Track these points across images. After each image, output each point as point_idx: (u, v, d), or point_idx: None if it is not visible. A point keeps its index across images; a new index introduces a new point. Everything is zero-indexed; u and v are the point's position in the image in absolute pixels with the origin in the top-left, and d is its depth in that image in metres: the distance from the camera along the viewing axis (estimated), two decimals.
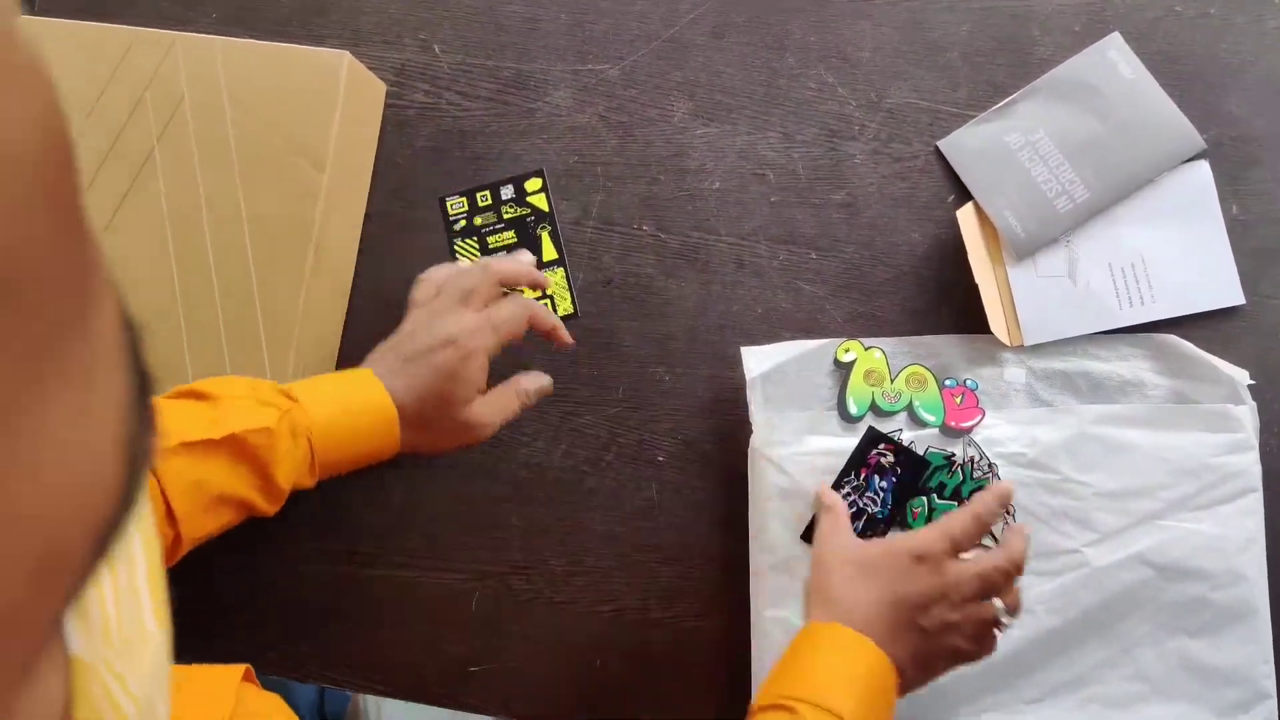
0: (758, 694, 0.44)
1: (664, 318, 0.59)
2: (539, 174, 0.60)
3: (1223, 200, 0.56)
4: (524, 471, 0.58)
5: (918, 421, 0.55)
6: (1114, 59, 0.57)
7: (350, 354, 0.60)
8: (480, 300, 0.50)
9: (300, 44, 0.57)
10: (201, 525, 0.43)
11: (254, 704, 0.44)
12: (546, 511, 0.58)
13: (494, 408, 0.51)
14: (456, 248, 0.60)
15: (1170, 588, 0.52)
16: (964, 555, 0.46)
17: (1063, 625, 0.52)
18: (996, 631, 0.46)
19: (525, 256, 0.55)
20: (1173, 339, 0.55)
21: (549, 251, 0.60)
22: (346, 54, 0.55)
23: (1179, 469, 0.53)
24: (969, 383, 0.55)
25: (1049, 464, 0.53)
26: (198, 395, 0.44)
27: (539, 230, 0.60)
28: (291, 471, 0.45)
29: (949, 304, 0.57)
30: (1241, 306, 0.56)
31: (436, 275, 0.53)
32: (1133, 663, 0.52)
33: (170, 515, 0.42)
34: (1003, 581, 0.45)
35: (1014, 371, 0.55)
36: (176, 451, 0.42)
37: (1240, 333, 0.56)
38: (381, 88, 0.61)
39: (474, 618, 0.57)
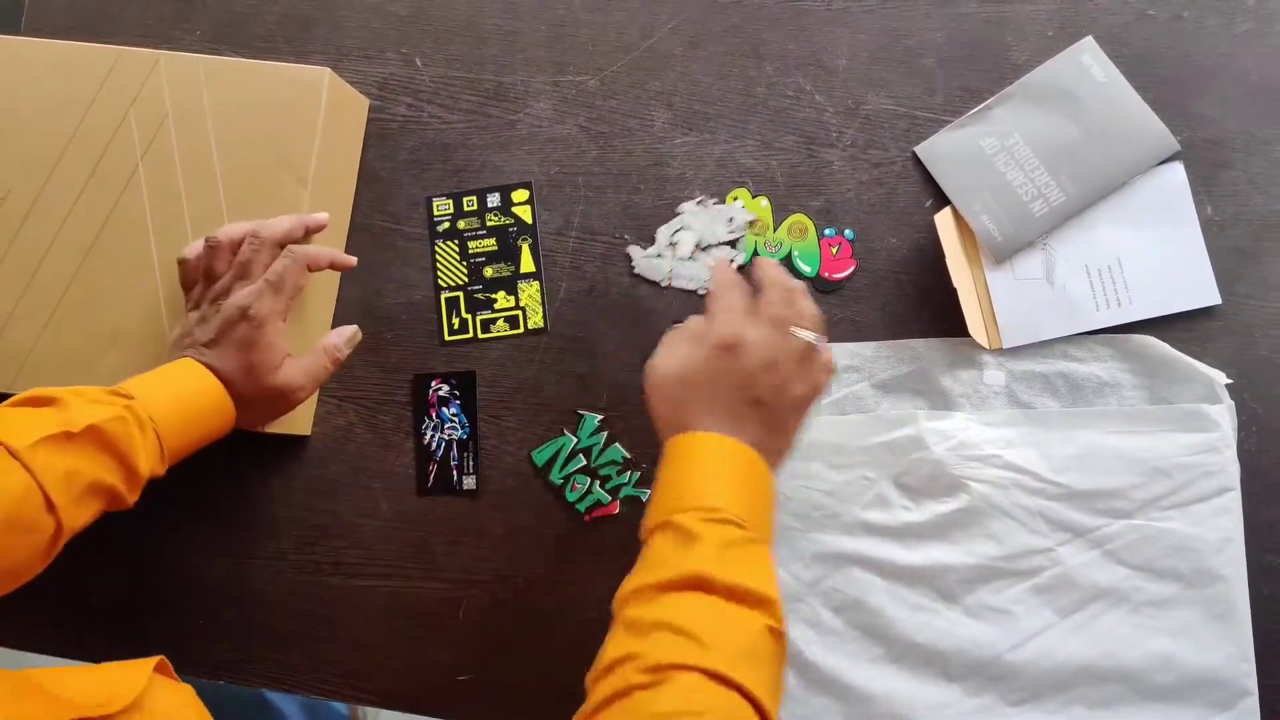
0: (642, 523, 0.44)
1: (646, 325, 0.59)
2: (527, 186, 0.61)
3: (1196, 201, 0.57)
4: (509, 480, 0.59)
5: (795, 271, 0.57)
6: (1087, 63, 0.58)
7: None
8: (260, 267, 0.52)
9: (284, 60, 0.58)
10: (77, 515, 0.45)
11: (162, 695, 0.45)
12: (532, 519, 0.58)
13: (303, 370, 0.52)
14: (437, 249, 0.61)
15: (1146, 587, 0.53)
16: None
17: (1042, 627, 0.53)
18: (820, 350, 0.47)
19: (316, 218, 0.55)
20: (1150, 340, 0.55)
21: (527, 263, 0.60)
22: (328, 70, 0.56)
23: (1153, 469, 0.53)
24: (847, 233, 0.57)
25: (1024, 465, 0.54)
26: (39, 401, 0.46)
27: (520, 241, 0.61)
28: (148, 459, 0.46)
29: (928, 308, 0.58)
30: (1217, 306, 0.56)
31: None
32: (1114, 664, 0.52)
33: (50, 505, 0.43)
34: (798, 307, 0.47)
35: (994, 374, 0.56)
36: (43, 445, 0.43)
37: (1216, 333, 0.56)
38: (364, 102, 0.62)
39: (462, 626, 0.58)
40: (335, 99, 0.57)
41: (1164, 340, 0.55)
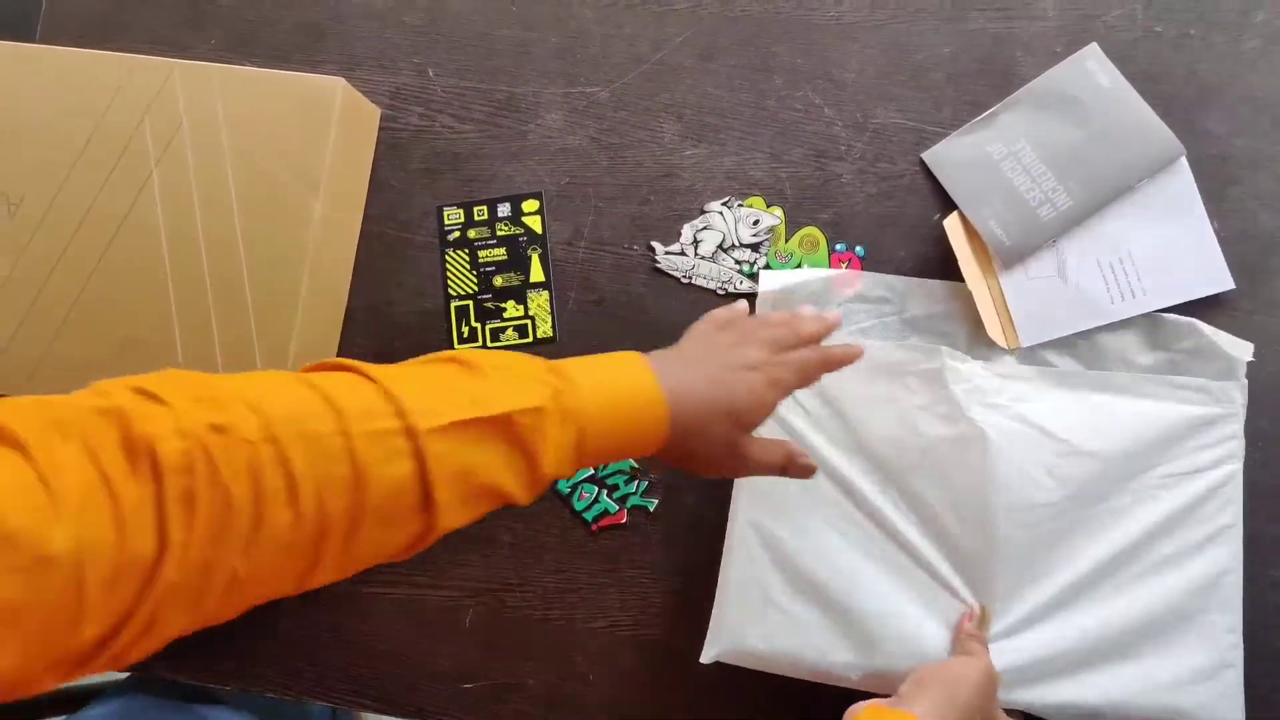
0: None
1: (655, 336, 0.59)
2: (537, 196, 0.61)
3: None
4: None
5: None
6: (1092, 69, 0.58)
7: None
8: (780, 348, 0.46)
9: (298, 69, 0.59)
10: (457, 516, 0.37)
11: None
12: (540, 528, 0.58)
13: (764, 450, 0.46)
14: (448, 258, 0.61)
15: (1139, 557, 0.53)
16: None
17: (1046, 555, 0.53)
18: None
19: (832, 317, 0.49)
20: (1175, 316, 0.56)
21: (537, 273, 0.61)
22: (341, 80, 0.56)
23: (1160, 438, 0.53)
24: (857, 250, 0.58)
25: (1031, 418, 0.53)
26: (459, 362, 0.39)
27: (530, 251, 0.61)
28: (557, 460, 0.38)
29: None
30: (1224, 322, 0.56)
31: (729, 313, 0.49)
32: (1104, 616, 0.52)
33: (428, 503, 0.35)
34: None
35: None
36: (446, 431, 0.35)
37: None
38: (376, 112, 0.63)
39: (468, 634, 0.58)
40: (348, 108, 0.57)
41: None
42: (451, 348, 0.60)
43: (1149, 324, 0.56)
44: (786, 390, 0.46)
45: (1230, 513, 0.53)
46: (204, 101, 0.56)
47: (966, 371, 0.54)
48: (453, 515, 0.36)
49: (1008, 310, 0.57)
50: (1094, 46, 0.59)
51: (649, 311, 0.60)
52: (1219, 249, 0.56)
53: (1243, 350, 0.54)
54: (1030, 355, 0.56)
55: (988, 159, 0.58)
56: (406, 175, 0.62)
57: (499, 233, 0.61)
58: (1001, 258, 0.57)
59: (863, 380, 0.54)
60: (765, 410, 0.45)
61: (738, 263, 0.59)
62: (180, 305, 0.55)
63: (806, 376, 0.47)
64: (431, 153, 0.62)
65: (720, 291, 0.59)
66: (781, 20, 0.62)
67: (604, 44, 0.62)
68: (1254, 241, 0.57)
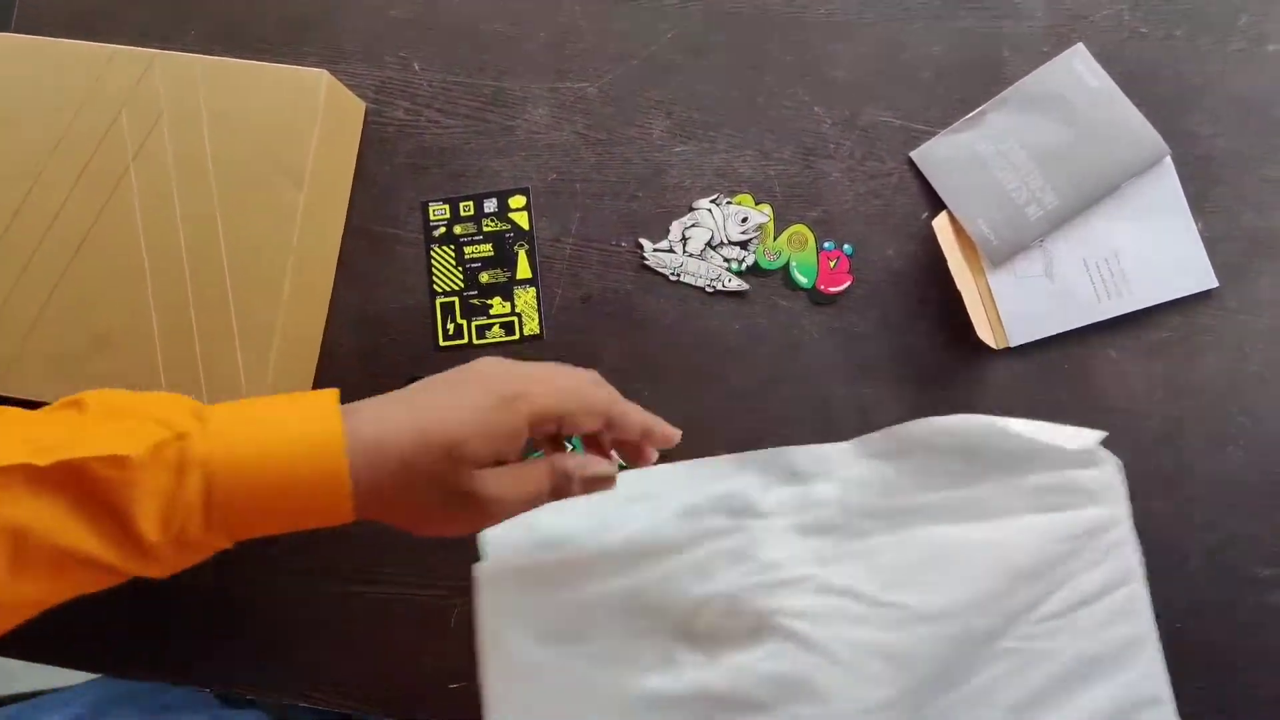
0: None
1: (643, 334, 0.59)
2: (524, 192, 0.61)
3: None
4: None
5: (792, 282, 0.54)
6: (1079, 69, 0.59)
7: (328, 371, 0.60)
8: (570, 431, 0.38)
9: (281, 62, 0.58)
10: (27, 588, 0.30)
11: None
12: None
13: (518, 480, 0.36)
14: (433, 254, 0.60)
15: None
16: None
17: None
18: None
19: (668, 436, 0.40)
20: (994, 423, 0.43)
21: (524, 270, 0.60)
22: (325, 73, 0.56)
23: (1019, 569, 0.39)
24: (845, 248, 0.56)
25: (846, 585, 0.40)
26: (75, 404, 0.33)
27: (516, 247, 0.60)
28: (165, 519, 0.31)
29: (924, 317, 0.58)
30: (1208, 322, 0.57)
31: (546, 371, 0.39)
32: None
33: None
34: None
35: (824, 488, 0.43)
36: None
37: (1206, 347, 0.57)
38: (361, 106, 0.62)
39: (453, 634, 0.57)
40: (333, 102, 0.56)
41: (1157, 367, 0.56)
42: (437, 345, 0.60)
43: (970, 443, 0.42)
44: (544, 413, 0.35)
45: (1139, 641, 0.41)
46: (185, 93, 0.55)
47: (741, 546, 0.41)
48: (17, 587, 0.30)
49: (996, 309, 0.57)
50: (1081, 47, 0.59)
51: (637, 309, 0.60)
52: (1203, 248, 0.57)
53: (1089, 437, 0.43)
54: (843, 511, 0.42)
55: (976, 158, 0.58)
56: (392, 170, 0.62)
57: (485, 229, 0.61)
58: (990, 256, 0.57)
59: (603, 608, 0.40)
60: (503, 431, 0.34)
61: (726, 260, 0.59)
62: (159, 301, 0.54)
63: (582, 408, 0.36)
64: (417, 147, 0.62)
65: (709, 289, 0.59)
66: (772, 17, 0.61)
67: (593, 39, 0.62)
68: (1237, 241, 0.58)
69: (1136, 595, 0.41)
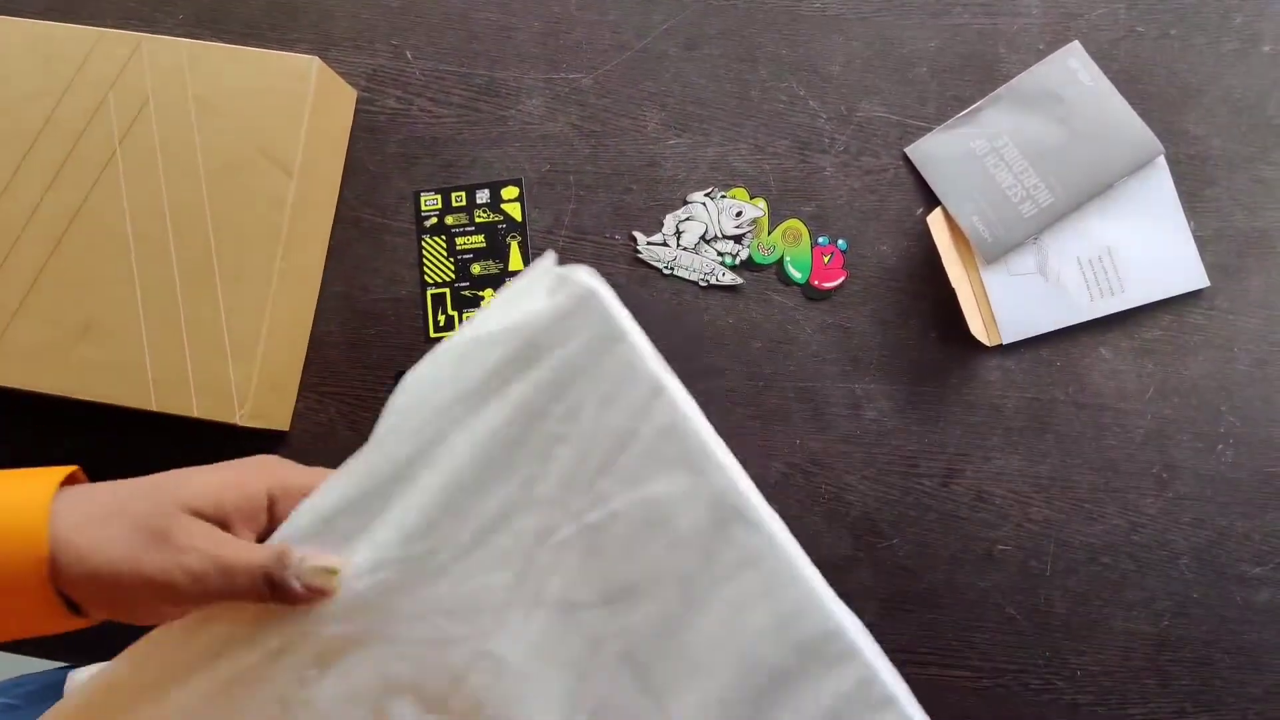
0: None
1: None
2: (517, 183, 0.60)
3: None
4: None
5: (786, 276, 0.56)
6: (1074, 67, 0.59)
7: (316, 359, 0.59)
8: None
9: (270, 48, 0.57)
10: None
11: None
12: None
13: (193, 560, 0.32)
14: (424, 244, 0.60)
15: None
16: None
17: None
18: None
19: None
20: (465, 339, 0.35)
21: (516, 262, 0.60)
22: (316, 59, 0.55)
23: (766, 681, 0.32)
24: (840, 244, 0.57)
25: None
26: None
27: (509, 239, 0.60)
28: None
29: (917, 314, 0.58)
30: (1199, 322, 0.57)
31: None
32: None
33: None
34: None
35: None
36: None
37: (1197, 347, 0.57)
38: (352, 93, 0.61)
39: None
40: (323, 89, 0.56)
41: (1149, 371, 0.56)
42: (427, 336, 0.59)
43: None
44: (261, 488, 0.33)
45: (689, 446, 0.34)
46: (172, 78, 0.54)
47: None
48: None
49: (989, 306, 0.57)
50: (1076, 45, 0.59)
51: (630, 300, 0.59)
52: (1195, 248, 0.57)
53: (547, 275, 0.35)
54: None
55: (971, 154, 0.58)
56: (383, 159, 0.61)
57: (477, 220, 0.60)
58: (983, 253, 0.57)
59: None
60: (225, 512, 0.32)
61: (720, 254, 0.59)
62: (145, 290, 0.54)
63: (295, 483, 0.33)
64: (409, 137, 0.61)
65: (702, 283, 0.59)
66: (767, 10, 0.61)
67: (587, 30, 0.61)
68: (1230, 241, 0.58)
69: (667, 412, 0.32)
